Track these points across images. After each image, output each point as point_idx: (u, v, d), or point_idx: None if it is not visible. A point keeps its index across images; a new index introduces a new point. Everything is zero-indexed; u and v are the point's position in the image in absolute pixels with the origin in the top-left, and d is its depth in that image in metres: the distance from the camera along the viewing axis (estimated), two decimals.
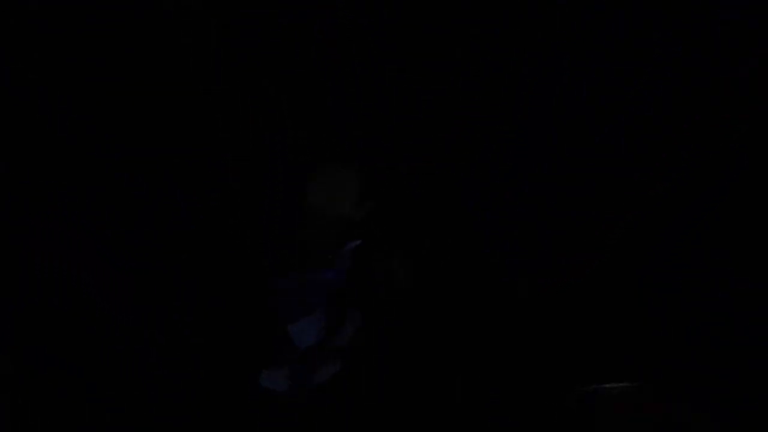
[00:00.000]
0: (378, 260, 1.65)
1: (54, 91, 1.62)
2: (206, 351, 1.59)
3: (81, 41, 1.61)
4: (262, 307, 1.61)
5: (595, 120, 1.65)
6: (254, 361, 1.57)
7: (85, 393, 1.54)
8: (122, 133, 1.64)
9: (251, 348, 1.59)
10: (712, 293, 1.58)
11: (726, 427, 1.47)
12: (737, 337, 1.54)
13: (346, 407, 1.56)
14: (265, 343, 1.59)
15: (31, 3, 1.60)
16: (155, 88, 1.64)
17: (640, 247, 1.62)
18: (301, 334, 1.58)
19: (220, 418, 1.55)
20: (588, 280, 1.62)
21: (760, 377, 1.50)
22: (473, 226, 1.68)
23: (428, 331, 1.62)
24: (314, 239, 1.64)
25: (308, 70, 1.68)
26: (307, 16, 1.67)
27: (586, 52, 1.65)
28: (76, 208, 1.61)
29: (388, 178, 1.69)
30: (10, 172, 1.60)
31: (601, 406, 1.51)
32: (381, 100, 1.69)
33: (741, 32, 1.59)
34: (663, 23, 1.62)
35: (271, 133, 1.68)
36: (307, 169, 1.67)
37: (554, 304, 1.62)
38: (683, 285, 1.59)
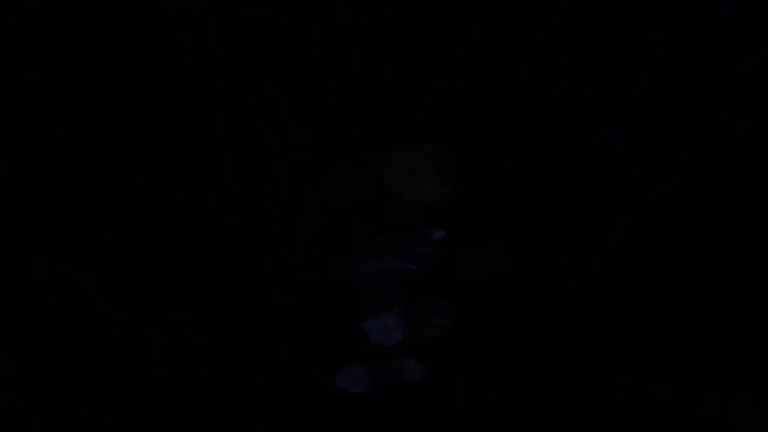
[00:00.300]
0: (469, 247, 1.54)
1: (54, 91, 1.61)
2: (206, 351, 1.59)
3: (81, 41, 1.61)
4: (329, 300, 1.55)
5: (595, 120, 1.66)
6: (326, 360, 1.51)
7: (85, 393, 1.54)
8: (122, 133, 1.64)
9: (321, 345, 1.53)
10: (712, 293, 1.58)
11: (726, 426, 1.47)
12: (737, 337, 1.54)
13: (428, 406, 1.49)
14: (337, 341, 1.53)
15: (31, 3, 1.60)
16: (155, 88, 1.64)
17: (640, 247, 1.62)
18: (378, 331, 1.49)
19: (220, 418, 1.55)
20: (588, 280, 1.62)
21: (761, 377, 1.50)
22: (472, 226, 1.68)
23: (522, 325, 1.55)
24: (391, 225, 1.54)
25: (308, 70, 1.68)
26: (307, 16, 1.67)
27: (586, 52, 1.65)
28: (76, 208, 1.61)
29: (476, 156, 1.60)
30: (10, 172, 1.60)
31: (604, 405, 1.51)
32: (381, 100, 1.69)
33: (741, 32, 1.59)
34: (663, 23, 1.62)
35: (271, 133, 1.68)
36: (308, 169, 1.67)
37: (554, 304, 1.62)
38: (683, 285, 1.59)
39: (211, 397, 1.55)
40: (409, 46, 1.69)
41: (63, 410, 1.53)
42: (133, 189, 1.63)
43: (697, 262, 1.60)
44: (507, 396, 1.56)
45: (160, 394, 1.55)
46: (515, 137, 1.68)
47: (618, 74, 1.64)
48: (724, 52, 1.60)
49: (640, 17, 1.63)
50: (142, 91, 1.64)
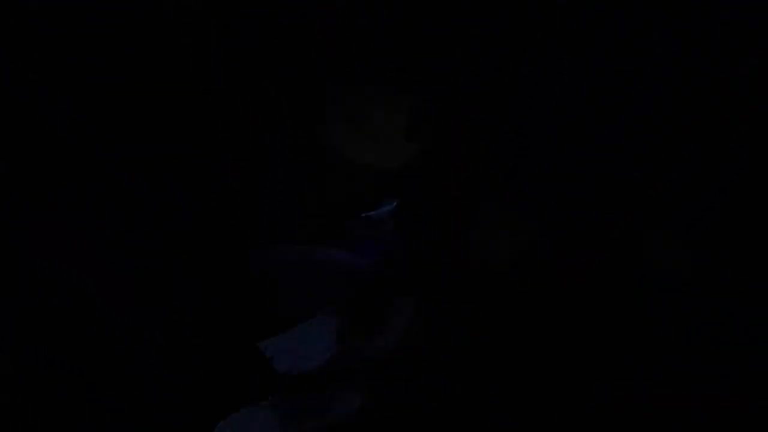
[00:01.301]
0: (446, 228, 1.13)
1: (54, 91, 1.61)
2: (206, 351, 1.59)
3: (81, 41, 1.61)
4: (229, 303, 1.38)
5: (595, 120, 1.65)
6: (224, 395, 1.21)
7: (85, 393, 1.54)
8: (122, 133, 1.64)
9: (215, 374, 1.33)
10: (712, 293, 1.58)
11: (726, 426, 1.47)
12: (737, 337, 1.54)
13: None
14: (236, 364, 1.27)
15: (31, 3, 1.60)
16: (155, 88, 1.64)
17: (640, 247, 1.62)
18: (299, 346, 1.05)
19: (220, 418, 1.55)
20: (588, 280, 1.62)
21: (761, 377, 1.50)
22: (472, 226, 1.68)
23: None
24: (330, 198, 1.15)
25: (308, 70, 1.68)
26: (307, 16, 1.67)
27: (586, 52, 1.65)
28: (76, 208, 1.61)
29: (448, 107, 1.21)
30: (10, 172, 1.60)
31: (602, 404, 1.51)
32: (381, 99, 1.69)
33: (741, 32, 1.59)
34: (663, 23, 1.62)
35: (271, 133, 1.68)
36: (308, 169, 1.67)
37: (554, 303, 1.62)
38: (683, 285, 1.59)
39: (211, 397, 1.55)
40: (409, 47, 1.69)
41: (63, 410, 1.53)
42: (133, 189, 1.63)
43: (696, 262, 1.60)
44: (507, 396, 1.55)
45: (160, 394, 1.55)
46: (516, 137, 1.68)
47: (618, 74, 1.64)
48: (724, 52, 1.60)
49: (640, 17, 1.63)
50: (142, 91, 1.64)
